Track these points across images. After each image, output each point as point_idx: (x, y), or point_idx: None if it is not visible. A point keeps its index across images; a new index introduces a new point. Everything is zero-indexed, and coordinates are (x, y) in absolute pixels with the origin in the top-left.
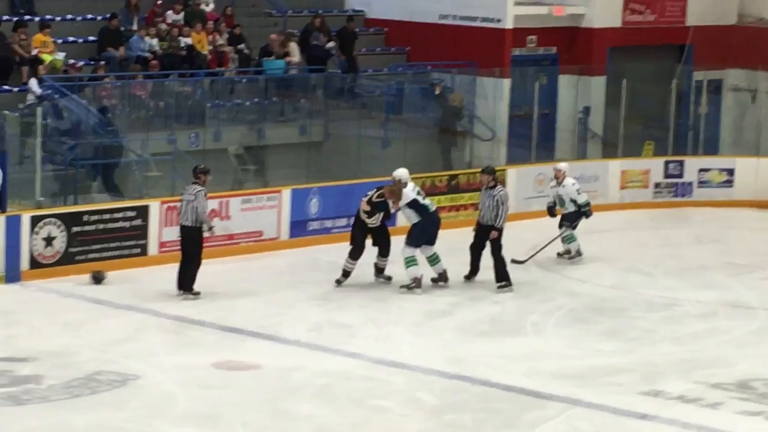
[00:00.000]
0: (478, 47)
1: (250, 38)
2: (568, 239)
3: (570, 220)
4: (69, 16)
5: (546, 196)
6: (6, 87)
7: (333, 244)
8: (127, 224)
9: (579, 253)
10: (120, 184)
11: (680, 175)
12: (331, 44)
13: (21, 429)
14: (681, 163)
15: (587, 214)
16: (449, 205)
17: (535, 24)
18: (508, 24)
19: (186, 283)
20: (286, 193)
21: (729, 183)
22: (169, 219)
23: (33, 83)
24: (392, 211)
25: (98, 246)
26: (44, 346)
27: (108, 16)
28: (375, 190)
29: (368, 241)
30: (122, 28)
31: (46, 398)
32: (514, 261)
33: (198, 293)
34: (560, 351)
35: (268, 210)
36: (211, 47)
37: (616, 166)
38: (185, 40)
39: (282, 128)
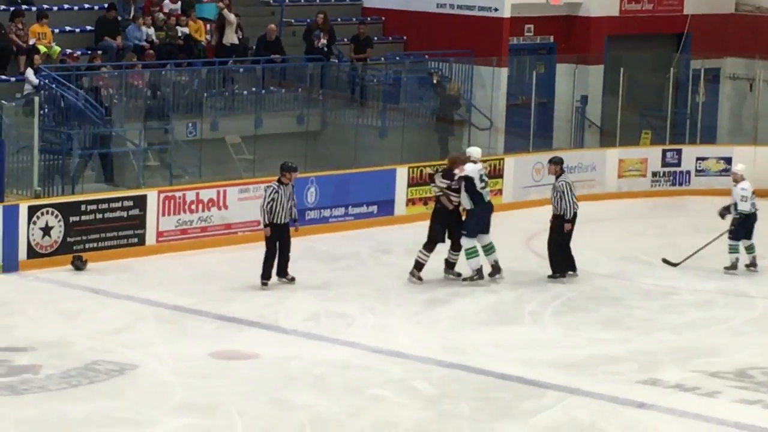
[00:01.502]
0: (476, 36)
1: (247, 28)
2: (733, 249)
3: (731, 226)
4: (66, 6)
5: (543, 185)
6: (3, 77)
7: (330, 234)
8: (124, 214)
9: (733, 267)
10: (117, 173)
11: (678, 164)
12: (323, 41)
13: (19, 418)
14: (678, 152)
15: (734, 222)
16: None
17: (533, 13)
18: (506, 13)
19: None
20: None
21: (727, 171)
22: (166, 209)
23: (29, 73)
24: (455, 178)
25: (96, 236)
26: (42, 336)
27: (105, 5)
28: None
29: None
30: (119, 18)
31: (44, 388)
32: (666, 262)
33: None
34: (558, 340)
35: None
36: (208, 36)
37: (613, 154)
38: (182, 30)
39: (279, 118)
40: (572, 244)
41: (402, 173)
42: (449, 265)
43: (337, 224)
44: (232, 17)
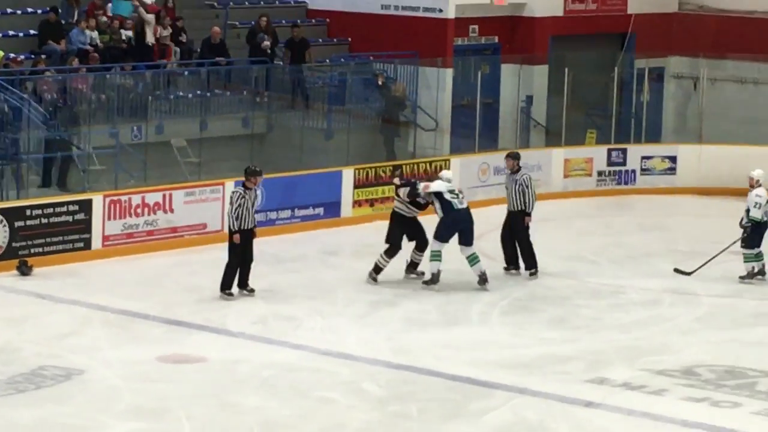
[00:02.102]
0: (421, 37)
1: (192, 30)
2: (748, 258)
3: (743, 233)
4: (9, 10)
5: (489, 185)
6: None
7: (277, 236)
8: (70, 218)
9: (749, 276)
10: (63, 178)
11: (623, 163)
12: (266, 44)
13: None
14: (624, 151)
15: (746, 230)
16: (393, 196)
17: (477, 13)
18: (450, 14)
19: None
20: (230, 186)
21: (672, 170)
22: (112, 213)
23: None
24: (421, 193)
25: (41, 240)
26: None
27: (48, 9)
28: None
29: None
30: (63, 22)
31: None
32: (678, 271)
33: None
34: (506, 340)
35: (211, 202)
36: (152, 40)
37: (559, 154)
38: (126, 33)
39: (225, 120)
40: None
41: (348, 175)
42: (413, 265)
43: (284, 226)
44: (149, 16)
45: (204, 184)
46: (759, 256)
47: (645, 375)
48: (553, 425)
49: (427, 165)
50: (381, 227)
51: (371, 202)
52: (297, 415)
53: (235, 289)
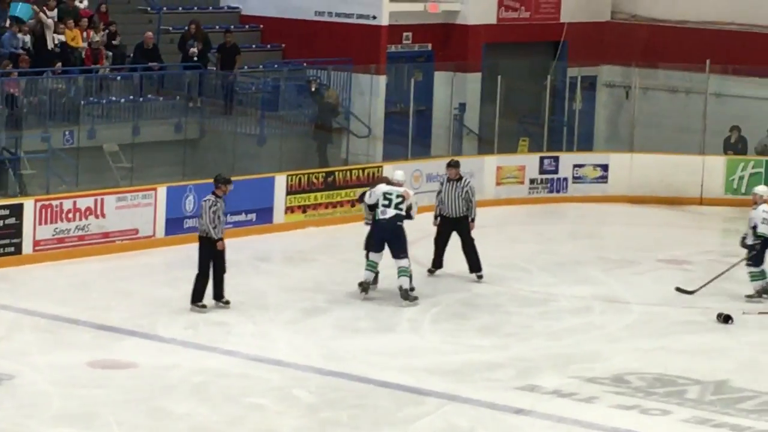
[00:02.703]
0: (354, 44)
1: (125, 35)
2: (755, 276)
3: (750, 251)
4: None
5: (422, 192)
6: None
7: None
8: (0, 223)
9: (758, 294)
10: None
11: (555, 171)
12: (193, 50)
13: None
14: (556, 159)
15: (754, 247)
16: (325, 202)
17: (411, 21)
18: (384, 21)
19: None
20: (162, 191)
21: (603, 179)
22: (43, 218)
23: None
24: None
25: None
26: None
27: None
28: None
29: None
30: None
31: None
32: (680, 290)
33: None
34: (436, 347)
35: (143, 208)
36: (85, 44)
37: (491, 162)
38: (59, 37)
39: (157, 126)
40: (450, 251)
41: (280, 181)
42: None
43: None
44: (49, 21)
45: (136, 190)
46: (764, 274)
47: (575, 382)
48: None
49: (360, 172)
50: (313, 234)
51: (304, 209)
52: (227, 421)
53: (209, 301)
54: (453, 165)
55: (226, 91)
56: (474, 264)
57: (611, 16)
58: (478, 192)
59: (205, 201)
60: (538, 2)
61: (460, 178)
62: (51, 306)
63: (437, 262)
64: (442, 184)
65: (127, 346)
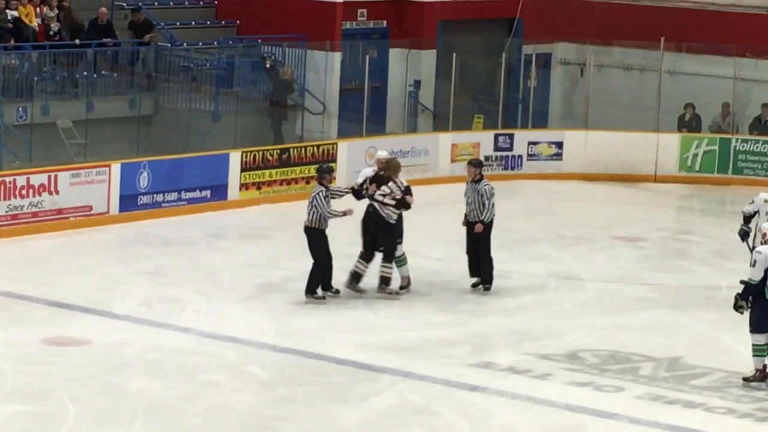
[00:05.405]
0: (309, 21)
1: (79, 11)
2: None
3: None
4: None
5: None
6: None
7: (163, 218)
8: None
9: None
10: None
11: (510, 148)
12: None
13: None
14: (511, 137)
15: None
16: (280, 179)
17: None
18: None
19: (307, 285)
20: (116, 168)
21: (558, 156)
22: None
23: None
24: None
25: None
26: None
27: None
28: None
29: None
30: None
31: None
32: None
33: (322, 297)
34: (391, 324)
35: (97, 184)
36: (39, 20)
37: (446, 139)
38: (12, 13)
39: (111, 102)
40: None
41: (235, 158)
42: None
43: (170, 209)
44: None
45: (90, 166)
46: None
47: (530, 359)
48: (438, 409)
49: (315, 149)
50: (267, 210)
51: (258, 186)
52: (181, 397)
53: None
54: (472, 164)
55: (185, 67)
56: (484, 276)
57: None
58: (433, 169)
59: (317, 193)
60: None
61: (480, 179)
62: (5, 282)
63: (473, 270)
64: (467, 184)
65: (81, 322)
